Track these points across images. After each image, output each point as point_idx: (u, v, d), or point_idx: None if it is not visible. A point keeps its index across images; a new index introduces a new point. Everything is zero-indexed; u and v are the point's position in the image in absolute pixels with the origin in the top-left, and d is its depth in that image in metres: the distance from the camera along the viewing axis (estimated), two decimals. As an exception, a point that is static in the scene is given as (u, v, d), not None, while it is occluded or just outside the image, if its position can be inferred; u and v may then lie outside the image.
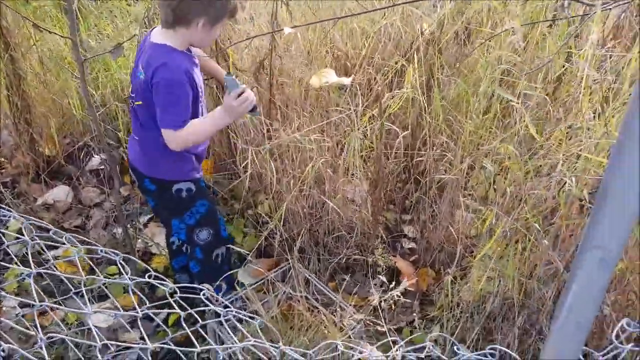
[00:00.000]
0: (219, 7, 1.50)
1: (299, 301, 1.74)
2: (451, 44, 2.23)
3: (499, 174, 1.82)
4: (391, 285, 1.97)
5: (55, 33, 1.73)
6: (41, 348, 1.05)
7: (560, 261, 1.26)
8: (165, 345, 1.01)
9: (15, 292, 1.99)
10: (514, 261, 1.60)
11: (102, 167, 2.51)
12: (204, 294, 1.11)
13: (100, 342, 1.10)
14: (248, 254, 1.73)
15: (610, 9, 1.23)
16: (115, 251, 1.14)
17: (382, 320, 1.99)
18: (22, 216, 1.25)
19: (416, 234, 2.31)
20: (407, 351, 0.93)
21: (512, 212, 1.45)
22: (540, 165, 1.74)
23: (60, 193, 2.41)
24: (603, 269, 0.67)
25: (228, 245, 1.89)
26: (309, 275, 1.80)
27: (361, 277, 2.14)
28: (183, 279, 2.02)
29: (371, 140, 1.98)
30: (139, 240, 2.31)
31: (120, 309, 1.16)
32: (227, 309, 1.06)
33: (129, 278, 1.14)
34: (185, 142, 1.56)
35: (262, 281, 1.81)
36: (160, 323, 1.20)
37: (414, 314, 1.99)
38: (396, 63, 2.20)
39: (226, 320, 1.00)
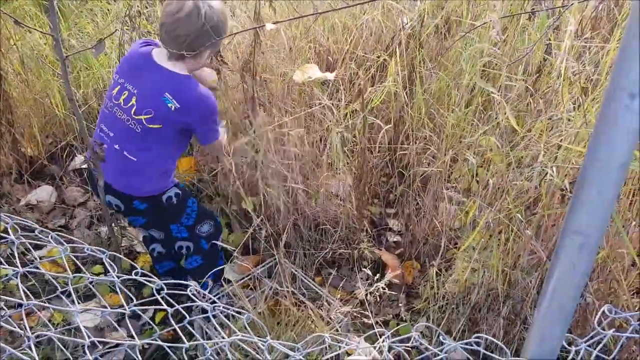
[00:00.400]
0: (220, 41, 1.67)
1: (285, 296, 1.75)
2: (432, 38, 2.25)
3: (481, 166, 1.84)
4: (376, 278, 1.99)
5: (38, 30, 1.72)
6: (30, 348, 1.05)
7: (543, 250, 1.28)
8: (153, 342, 1.02)
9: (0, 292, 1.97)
10: (497, 252, 1.62)
11: (85, 166, 2.49)
12: (190, 291, 1.11)
13: (88, 340, 1.10)
14: (234, 250, 1.73)
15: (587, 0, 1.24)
16: (102, 249, 1.13)
17: (370, 312, 2.01)
18: (8, 216, 1.24)
19: (401, 227, 2.33)
20: (394, 342, 0.95)
21: (495, 203, 1.47)
22: (522, 157, 1.76)
23: (43, 193, 2.39)
24: (583, 254, 0.69)
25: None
26: (295, 271, 1.82)
27: (347, 271, 2.16)
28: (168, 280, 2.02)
29: (354, 134, 1.99)
30: (124, 239, 2.30)
31: (108, 307, 1.16)
32: (214, 305, 1.06)
33: (116, 276, 1.14)
34: (225, 146, 1.81)
35: (249, 277, 1.82)
36: (149, 320, 1.20)
37: (400, 306, 2.01)
38: (378, 57, 2.21)
39: (214, 316, 1.01)
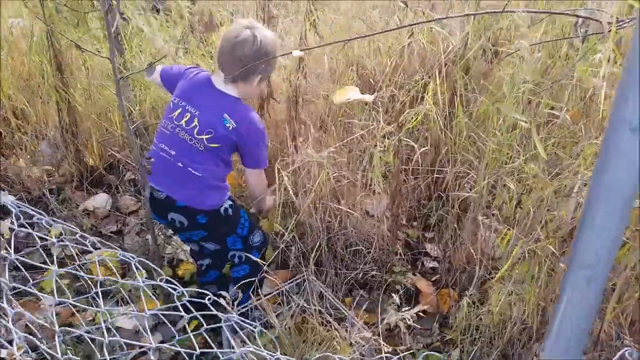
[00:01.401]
0: (271, 68, 1.83)
1: (312, 315, 1.76)
2: (478, 61, 2.21)
3: (523, 193, 1.77)
4: (406, 307, 1.95)
5: (94, 53, 1.87)
6: (62, 343, 1.13)
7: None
8: (167, 346, 1.07)
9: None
10: (533, 285, 1.54)
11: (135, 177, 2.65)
12: (210, 300, 1.14)
13: (108, 339, 1.18)
14: (264, 264, 1.77)
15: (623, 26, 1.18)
16: (132, 255, 1.20)
17: (399, 340, 1.97)
18: (53, 220, 1.34)
19: (439, 253, 2.27)
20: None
21: (532, 233, 1.41)
22: (565, 185, 1.68)
23: (100, 200, 2.56)
24: (592, 288, 0.65)
25: None
26: (323, 289, 1.82)
27: (378, 295, 2.13)
28: (212, 290, 2.09)
29: (391, 155, 1.98)
30: (169, 247, 2.41)
31: (146, 311, 1.22)
32: (229, 315, 1.09)
33: (142, 281, 1.20)
34: (264, 185, 1.94)
35: (277, 292, 1.85)
36: (173, 328, 1.25)
37: (432, 336, 1.96)
38: (417, 81, 2.21)
39: (241, 328, 1.03)
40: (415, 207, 2.34)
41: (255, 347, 0.90)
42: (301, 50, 1.89)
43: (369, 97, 2.10)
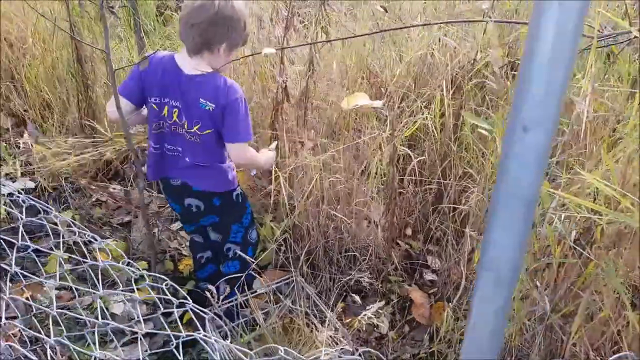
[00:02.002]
0: (236, 35, 1.66)
1: (298, 315, 1.77)
2: (495, 75, 2.19)
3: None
4: (398, 317, 1.94)
5: (90, 45, 1.95)
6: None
7: (548, 302, 1.17)
8: (155, 331, 1.10)
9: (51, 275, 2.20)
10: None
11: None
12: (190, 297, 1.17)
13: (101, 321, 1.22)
14: (253, 262, 1.80)
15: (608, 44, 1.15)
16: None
17: (386, 348, 1.95)
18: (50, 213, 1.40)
19: (439, 265, 2.25)
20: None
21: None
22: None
23: (113, 192, 2.65)
24: (498, 290, 0.65)
25: None
26: (309, 291, 1.83)
27: (373, 302, 2.12)
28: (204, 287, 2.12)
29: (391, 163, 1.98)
30: (174, 242, 2.47)
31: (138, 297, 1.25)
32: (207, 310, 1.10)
33: (132, 272, 1.25)
34: (249, 158, 1.78)
35: (266, 291, 1.87)
36: (159, 320, 1.28)
37: (420, 348, 1.93)
38: (434, 90, 2.20)
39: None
40: (419, 219, 2.32)
41: (205, 334, 0.91)
42: (276, 49, 1.91)
43: (377, 103, 2.11)
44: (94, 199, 2.61)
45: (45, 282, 2.20)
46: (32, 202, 1.07)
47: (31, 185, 2.64)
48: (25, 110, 2.80)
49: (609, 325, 1.02)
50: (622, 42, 1.10)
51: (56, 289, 2.13)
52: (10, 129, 2.93)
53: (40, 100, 2.67)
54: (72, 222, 1.32)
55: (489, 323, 0.67)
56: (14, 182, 2.67)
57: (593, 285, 1.03)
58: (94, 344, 0.86)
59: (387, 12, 2.00)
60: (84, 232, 1.13)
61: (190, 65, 1.67)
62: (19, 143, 2.73)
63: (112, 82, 1.51)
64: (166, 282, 1.00)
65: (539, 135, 0.44)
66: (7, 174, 2.60)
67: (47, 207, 1.07)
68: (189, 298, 0.99)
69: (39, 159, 2.66)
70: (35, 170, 2.59)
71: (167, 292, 0.97)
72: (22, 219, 1.01)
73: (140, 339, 0.99)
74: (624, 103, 1.32)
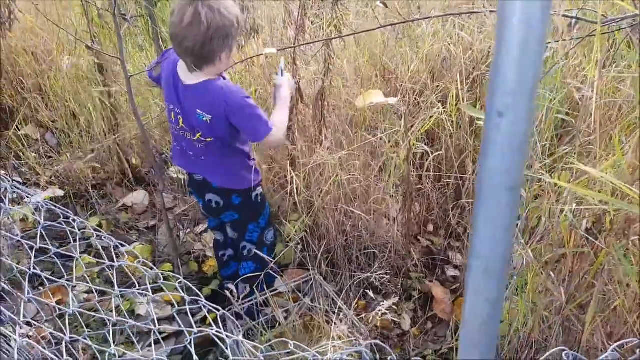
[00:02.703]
0: (234, 37, 1.57)
1: (317, 313, 1.79)
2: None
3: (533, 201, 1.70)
4: (420, 313, 1.93)
5: (105, 53, 2.01)
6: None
7: (564, 294, 1.15)
8: (170, 328, 1.13)
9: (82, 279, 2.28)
10: (523, 295, 1.46)
11: (176, 175, 2.79)
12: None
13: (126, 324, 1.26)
14: (272, 261, 1.82)
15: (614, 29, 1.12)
16: (122, 242, 1.29)
17: (408, 345, 1.95)
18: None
19: (461, 261, 2.22)
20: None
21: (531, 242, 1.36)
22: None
23: (138, 197, 2.72)
24: (488, 280, 0.65)
25: None
26: (328, 289, 1.84)
27: (393, 299, 2.11)
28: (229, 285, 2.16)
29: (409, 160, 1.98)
30: (199, 244, 2.52)
31: (175, 303, 1.29)
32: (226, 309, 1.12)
33: (146, 271, 1.29)
34: (282, 134, 1.76)
35: (284, 290, 1.89)
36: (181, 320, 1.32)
37: (442, 344, 1.92)
38: (450, 84, 2.18)
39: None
40: (439, 215, 2.30)
41: (218, 330, 0.94)
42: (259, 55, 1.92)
43: (392, 100, 2.11)
44: (120, 205, 2.69)
45: (67, 284, 2.28)
46: (51, 207, 1.12)
47: (60, 193, 2.73)
48: (53, 121, 2.91)
49: (624, 314, 1.00)
50: (626, 28, 1.07)
51: (85, 292, 2.20)
52: (39, 139, 3.05)
53: (65, 110, 2.76)
54: (96, 228, 1.37)
55: (483, 312, 0.67)
56: (44, 190, 2.77)
57: (606, 274, 1.01)
58: (113, 342, 0.89)
59: (387, 7, 1.99)
60: (103, 235, 1.17)
61: (189, 75, 1.62)
62: (48, 153, 2.83)
63: (128, 87, 1.56)
64: (180, 281, 1.03)
65: (515, 120, 0.44)
66: (36, 184, 2.70)
67: (67, 212, 1.12)
68: (201, 296, 1.02)
69: (65, 168, 2.75)
70: (62, 178, 2.68)
71: (182, 291, 1.00)
72: (40, 223, 1.05)
73: (159, 338, 1.02)
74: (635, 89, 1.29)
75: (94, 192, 2.65)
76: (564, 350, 0.67)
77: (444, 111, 1.87)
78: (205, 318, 2.13)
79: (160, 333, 2.11)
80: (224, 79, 1.72)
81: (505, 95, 0.44)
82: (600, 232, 1.02)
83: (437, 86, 2.19)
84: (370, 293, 1.95)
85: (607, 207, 0.97)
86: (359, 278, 2.07)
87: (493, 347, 0.70)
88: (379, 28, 1.59)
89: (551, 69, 1.30)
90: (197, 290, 1.01)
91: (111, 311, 2.13)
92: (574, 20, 1.16)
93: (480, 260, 0.62)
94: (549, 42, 1.58)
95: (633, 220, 0.94)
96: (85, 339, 0.94)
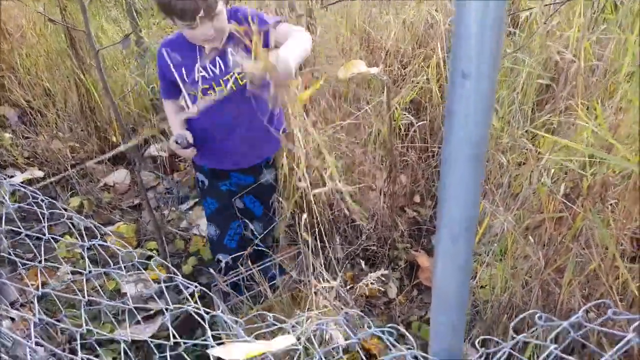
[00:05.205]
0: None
1: (305, 285, 1.79)
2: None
3: (517, 168, 1.70)
4: (406, 282, 1.94)
5: (70, 26, 1.93)
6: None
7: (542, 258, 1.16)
8: (149, 306, 1.11)
9: (67, 260, 2.26)
10: (504, 261, 1.47)
11: (159, 154, 2.75)
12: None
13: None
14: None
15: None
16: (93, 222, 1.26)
17: (395, 312, 1.97)
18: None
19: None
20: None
21: (510, 207, 1.36)
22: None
23: (120, 176, 2.68)
24: (458, 246, 0.64)
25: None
26: (315, 262, 1.84)
27: (382, 270, 2.13)
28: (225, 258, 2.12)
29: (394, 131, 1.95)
30: (183, 222, 2.50)
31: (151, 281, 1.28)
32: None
33: (119, 250, 1.27)
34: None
35: (269, 264, 1.89)
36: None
37: (427, 309, 1.94)
38: (432, 51, 2.15)
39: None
40: (426, 185, 2.30)
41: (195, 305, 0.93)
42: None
43: (374, 70, 2.07)
44: (101, 184, 2.64)
45: (38, 266, 2.27)
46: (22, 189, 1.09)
47: (40, 174, 2.68)
48: (27, 101, 2.83)
49: (601, 276, 1.01)
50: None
51: (72, 273, 2.18)
52: (18, 119, 2.97)
53: (40, 89, 2.69)
54: (65, 207, 1.34)
55: (452, 279, 0.67)
56: (22, 172, 2.72)
57: (583, 239, 1.01)
58: (91, 321, 0.87)
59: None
60: (74, 216, 1.15)
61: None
62: (24, 133, 2.76)
63: (97, 61, 1.51)
64: (154, 259, 1.01)
65: (479, 81, 0.43)
66: (13, 164, 2.64)
67: (35, 193, 1.09)
68: (178, 273, 1.01)
69: (43, 148, 2.69)
70: (41, 159, 2.62)
71: (155, 267, 0.99)
72: (2, 204, 1.03)
73: (143, 317, 1.01)
74: (617, 52, 1.27)
75: (73, 172, 2.60)
76: (536, 312, 0.66)
77: (428, 80, 1.84)
78: (193, 295, 2.14)
79: (148, 311, 2.12)
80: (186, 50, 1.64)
81: (468, 56, 0.42)
82: (577, 197, 1.02)
83: (418, 53, 2.15)
84: (360, 264, 1.96)
85: (585, 171, 0.97)
86: (347, 250, 2.07)
87: (463, 311, 0.69)
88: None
89: (534, 34, 1.28)
90: (173, 268, 1.00)
91: (96, 292, 2.13)
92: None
93: (448, 227, 0.61)
94: (533, 7, 1.55)
95: (609, 185, 0.93)
96: (60, 320, 0.92)
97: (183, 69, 1.64)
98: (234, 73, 1.61)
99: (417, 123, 1.87)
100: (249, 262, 1.85)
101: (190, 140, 1.63)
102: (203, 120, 1.68)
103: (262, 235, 1.92)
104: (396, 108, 1.89)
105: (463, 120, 0.47)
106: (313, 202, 2.10)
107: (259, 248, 1.89)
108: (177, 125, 1.71)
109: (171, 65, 1.63)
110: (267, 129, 1.65)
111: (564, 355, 0.60)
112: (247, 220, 1.89)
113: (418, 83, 1.84)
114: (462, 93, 0.44)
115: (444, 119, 0.51)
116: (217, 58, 1.60)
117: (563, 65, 1.21)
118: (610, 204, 1.00)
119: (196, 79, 1.62)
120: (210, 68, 1.62)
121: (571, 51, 1.01)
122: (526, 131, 1.39)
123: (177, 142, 1.59)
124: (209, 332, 0.83)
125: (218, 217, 1.88)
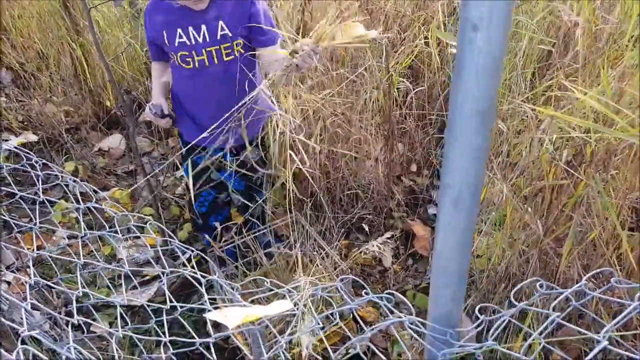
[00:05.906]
0: None
1: (299, 253, 1.79)
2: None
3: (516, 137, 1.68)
4: (402, 250, 1.94)
5: None
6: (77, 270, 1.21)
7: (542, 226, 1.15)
8: (146, 270, 1.11)
9: (62, 224, 2.25)
10: (502, 230, 1.47)
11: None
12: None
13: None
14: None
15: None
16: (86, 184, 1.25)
17: (389, 280, 1.98)
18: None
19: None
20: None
21: (509, 176, 1.35)
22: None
23: (114, 141, 2.65)
24: (459, 210, 0.63)
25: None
26: (311, 230, 1.84)
27: (377, 238, 2.13)
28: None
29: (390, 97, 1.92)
30: (179, 188, 2.48)
31: (148, 245, 1.27)
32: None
33: (115, 213, 1.25)
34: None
35: (262, 232, 1.89)
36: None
37: (422, 279, 1.96)
38: (431, 15, 2.09)
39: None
40: (423, 154, 2.28)
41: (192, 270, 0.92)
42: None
43: (373, 33, 2.02)
44: (96, 149, 2.61)
45: (33, 228, 2.27)
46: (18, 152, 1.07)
47: (34, 138, 2.64)
48: (21, 64, 2.76)
49: (601, 246, 1.00)
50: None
51: (67, 238, 2.18)
52: (11, 82, 2.91)
53: (33, 52, 2.62)
54: (60, 170, 1.32)
55: (454, 243, 0.66)
56: (17, 136, 2.68)
57: (584, 207, 1.01)
58: (87, 285, 0.87)
59: None
60: (69, 177, 1.13)
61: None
62: (18, 97, 2.71)
63: (89, 20, 1.46)
64: (150, 222, 1.00)
65: (490, 33, 0.40)
66: (8, 128, 2.60)
67: (29, 154, 1.07)
68: (175, 238, 1.00)
69: (37, 112, 2.64)
70: (35, 123, 2.58)
71: (151, 231, 0.98)
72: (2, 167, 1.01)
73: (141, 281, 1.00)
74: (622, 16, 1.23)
75: (68, 136, 2.57)
76: (538, 280, 0.66)
77: (427, 44, 1.80)
78: (190, 260, 2.14)
79: (144, 276, 2.13)
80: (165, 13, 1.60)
81: (479, 5, 0.40)
82: (580, 164, 1.00)
83: (417, 16, 2.10)
84: (355, 233, 1.96)
85: (588, 136, 0.95)
86: (343, 219, 2.07)
87: (464, 275, 0.69)
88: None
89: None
90: (169, 232, 0.99)
91: (92, 257, 2.13)
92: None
93: (451, 191, 0.60)
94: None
95: (613, 152, 0.92)
96: (56, 283, 0.91)
97: (164, 32, 1.59)
98: (220, 48, 1.58)
99: (414, 89, 1.83)
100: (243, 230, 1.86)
101: (166, 110, 1.62)
102: (182, 91, 1.67)
103: (246, 206, 1.90)
104: (392, 74, 1.85)
105: (472, 77, 0.45)
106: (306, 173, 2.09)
107: (248, 218, 1.89)
108: (157, 91, 1.68)
109: (153, 26, 1.59)
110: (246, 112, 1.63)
111: (565, 323, 0.60)
112: (219, 190, 1.88)
113: (416, 47, 1.80)
114: (472, 48, 0.42)
115: (452, 74, 0.49)
116: (203, 26, 1.56)
117: (566, 30, 1.18)
118: (611, 175, 0.98)
119: (175, 44, 1.58)
120: (193, 35, 1.58)
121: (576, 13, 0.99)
122: (527, 98, 1.37)
123: (152, 112, 1.58)
124: (206, 297, 0.83)
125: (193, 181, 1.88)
